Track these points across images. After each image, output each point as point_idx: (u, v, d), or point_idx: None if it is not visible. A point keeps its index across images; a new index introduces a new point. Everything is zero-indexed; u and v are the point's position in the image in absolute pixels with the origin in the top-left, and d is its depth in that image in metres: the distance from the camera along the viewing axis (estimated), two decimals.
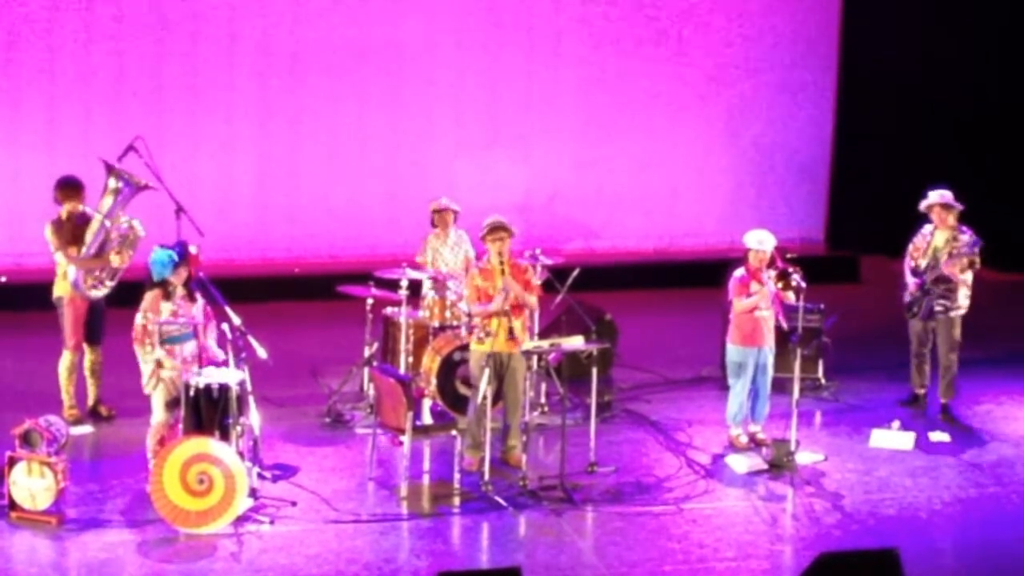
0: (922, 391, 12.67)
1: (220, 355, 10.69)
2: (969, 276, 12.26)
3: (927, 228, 12.39)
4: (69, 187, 11.91)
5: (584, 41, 17.24)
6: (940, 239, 12.27)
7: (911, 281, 12.40)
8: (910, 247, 12.48)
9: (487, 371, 10.76)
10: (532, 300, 11.21)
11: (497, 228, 11.08)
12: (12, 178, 15.88)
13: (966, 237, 12.20)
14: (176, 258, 10.70)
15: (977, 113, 17.71)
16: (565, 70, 17.25)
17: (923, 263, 12.33)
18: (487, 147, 17.10)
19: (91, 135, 15.62)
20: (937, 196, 12.29)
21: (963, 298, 12.32)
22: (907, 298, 12.46)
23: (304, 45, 16.54)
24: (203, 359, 10.63)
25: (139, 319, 10.67)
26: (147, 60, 16.12)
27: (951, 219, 12.24)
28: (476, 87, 17.05)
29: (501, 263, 11.03)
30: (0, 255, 15.91)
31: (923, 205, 12.35)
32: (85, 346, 12.01)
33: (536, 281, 11.48)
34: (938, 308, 12.29)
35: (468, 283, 11.26)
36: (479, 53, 17.01)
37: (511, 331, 10.95)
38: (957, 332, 12.35)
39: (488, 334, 10.97)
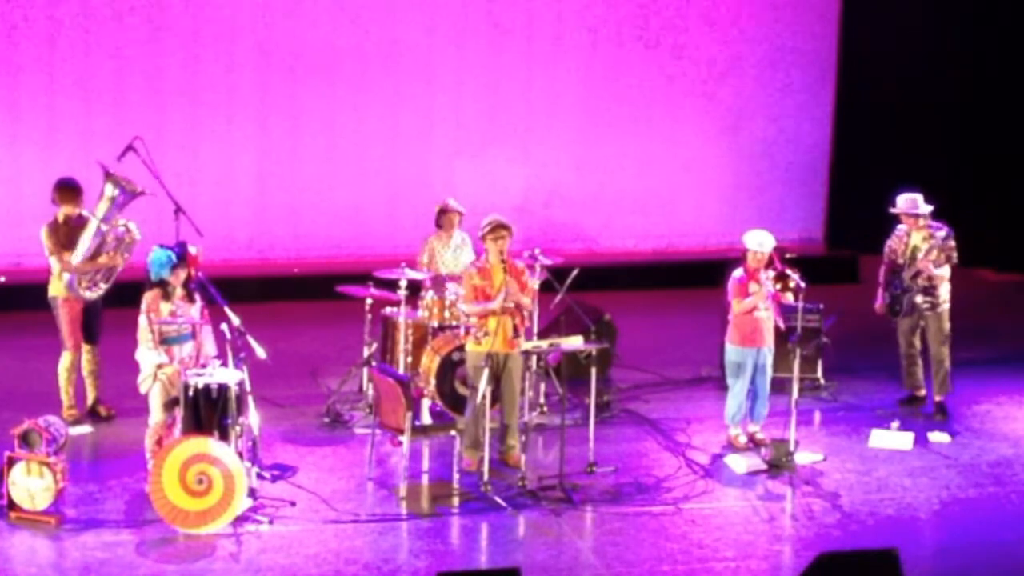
0: (922, 392, 12.67)
1: (213, 355, 10.69)
2: (946, 271, 12.30)
3: (901, 229, 12.47)
4: (66, 189, 11.87)
5: (584, 41, 17.24)
6: (917, 238, 12.35)
7: (889, 283, 12.48)
8: (886, 249, 12.55)
9: (486, 371, 10.76)
10: (527, 301, 11.20)
11: (498, 227, 11.07)
12: (12, 178, 15.88)
13: (941, 233, 12.29)
14: (174, 258, 10.70)
15: (977, 113, 17.70)
16: (565, 70, 17.25)
17: (902, 262, 12.39)
18: (487, 147, 17.10)
19: (91, 136, 15.62)
20: (903, 204, 12.34)
21: (945, 293, 12.38)
22: (887, 299, 12.51)
23: (304, 45, 16.54)
24: (197, 361, 10.64)
25: (143, 320, 10.68)
26: (147, 60, 16.11)
27: (921, 220, 12.31)
28: (476, 87, 17.05)
29: (502, 262, 11.03)
30: (0, 255, 15.91)
31: (894, 211, 12.42)
32: (83, 346, 12.01)
33: (532, 283, 11.45)
34: (924, 305, 12.34)
35: (465, 282, 11.24)
36: (479, 53, 17.01)
37: (508, 331, 10.95)
38: (946, 326, 12.40)
39: (486, 334, 10.97)
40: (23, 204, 15.46)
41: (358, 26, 16.62)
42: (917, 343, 12.55)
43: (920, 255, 12.26)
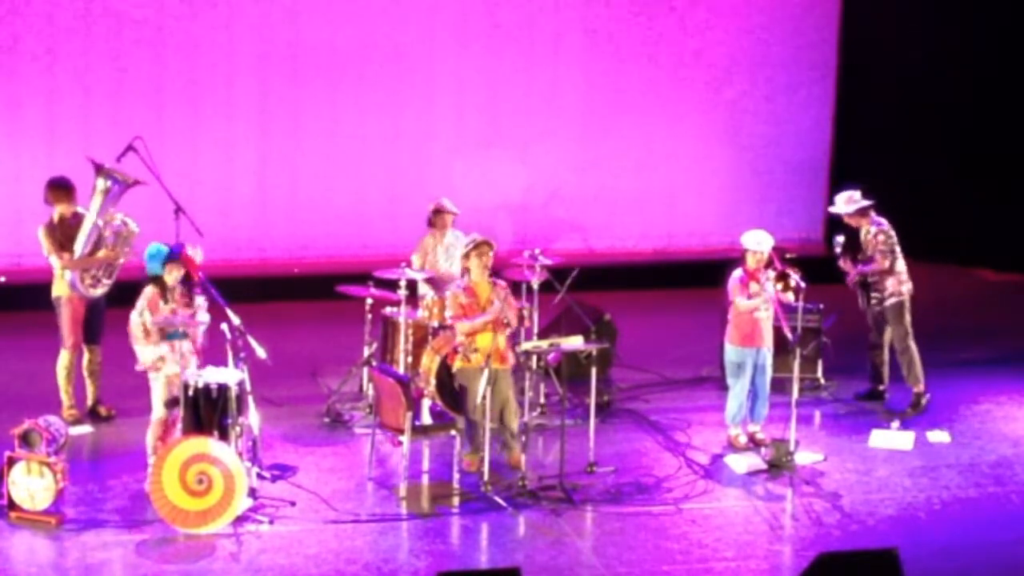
0: (882, 386, 12.75)
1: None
2: (892, 264, 12.39)
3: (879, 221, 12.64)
4: (59, 189, 11.89)
5: (584, 41, 17.24)
6: (862, 234, 12.55)
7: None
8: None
9: (486, 372, 10.74)
10: (513, 316, 11.15)
11: (482, 244, 11.08)
12: (12, 178, 15.88)
13: (873, 229, 12.43)
14: (165, 252, 10.66)
15: (977, 113, 17.71)
16: (565, 70, 17.25)
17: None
18: (487, 147, 17.10)
19: (91, 135, 15.61)
20: (840, 203, 12.58)
21: (892, 285, 12.47)
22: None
23: (304, 45, 16.54)
24: (201, 356, 10.66)
25: (135, 317, 10.66)
26: (147, 60, 16.12)
27: (858, 218, 12.50)
28: (476, 87, 17.05)
29: (489, 279, 11.05)
30: (0, 255, 15.92)
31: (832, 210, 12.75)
32: (84, 346, 12.01)
33: (513, 300, 11.39)
34: (873, 300, 12.56)
35: (451, 303, 11.20)
36: (479, 53, 17.01)
37: (499, 347, 10.93)
38: (904, 320, 12.49)
39: (475, 350, 10.97)
40: (23, 204, 15.45)
41: (358, 26, 16.61)
42: (883, 338, 12.63)
43: (865, 248, 12.41)
